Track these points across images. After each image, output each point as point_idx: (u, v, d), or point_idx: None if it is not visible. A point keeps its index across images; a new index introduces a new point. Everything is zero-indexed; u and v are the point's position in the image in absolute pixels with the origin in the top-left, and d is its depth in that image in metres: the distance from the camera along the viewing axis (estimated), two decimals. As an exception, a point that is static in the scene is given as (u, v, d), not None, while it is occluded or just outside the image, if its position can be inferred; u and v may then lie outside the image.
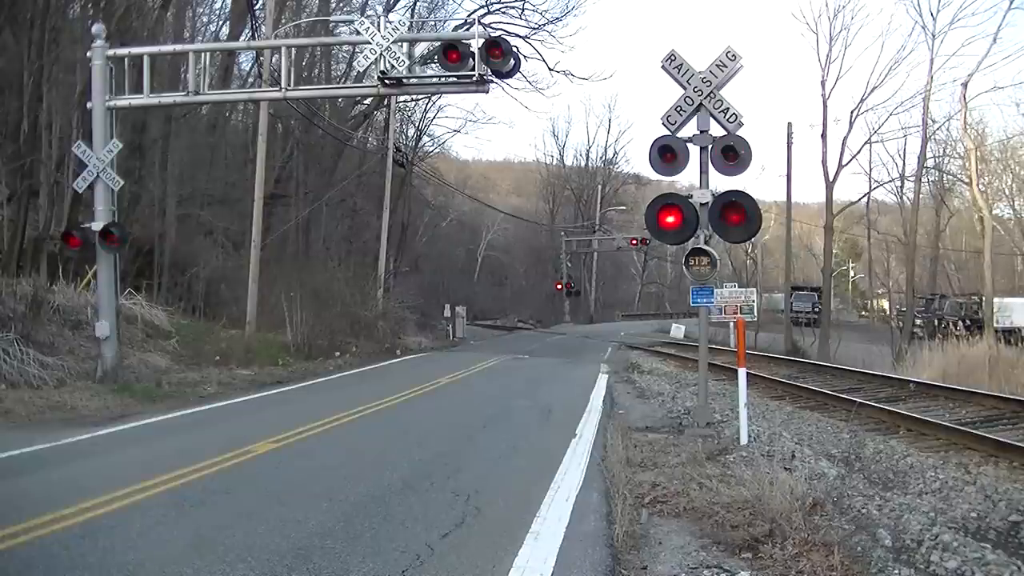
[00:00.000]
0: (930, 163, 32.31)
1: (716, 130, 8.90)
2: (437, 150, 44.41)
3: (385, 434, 9.40)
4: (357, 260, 29.44)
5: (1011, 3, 30.65)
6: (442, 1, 36.45)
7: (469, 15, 33.56)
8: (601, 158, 67.82)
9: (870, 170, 34.38)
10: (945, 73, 51.49)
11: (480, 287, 55.72)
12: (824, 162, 28.88)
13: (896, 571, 5.01)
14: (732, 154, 8.73)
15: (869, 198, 33.48)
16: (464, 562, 4.65)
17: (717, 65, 8.88)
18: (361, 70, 19.78)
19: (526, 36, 29.48)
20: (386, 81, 12.67)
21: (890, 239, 39.47)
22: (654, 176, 37.64)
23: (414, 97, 31.85)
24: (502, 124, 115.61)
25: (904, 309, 33.65)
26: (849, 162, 30.71)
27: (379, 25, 12.47)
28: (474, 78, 12.38)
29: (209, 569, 4.43)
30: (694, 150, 8.95)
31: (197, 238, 23.85)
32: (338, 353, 19.56)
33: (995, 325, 25.05)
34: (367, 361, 19.61)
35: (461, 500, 6.02)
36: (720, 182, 9.05)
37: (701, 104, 8.86)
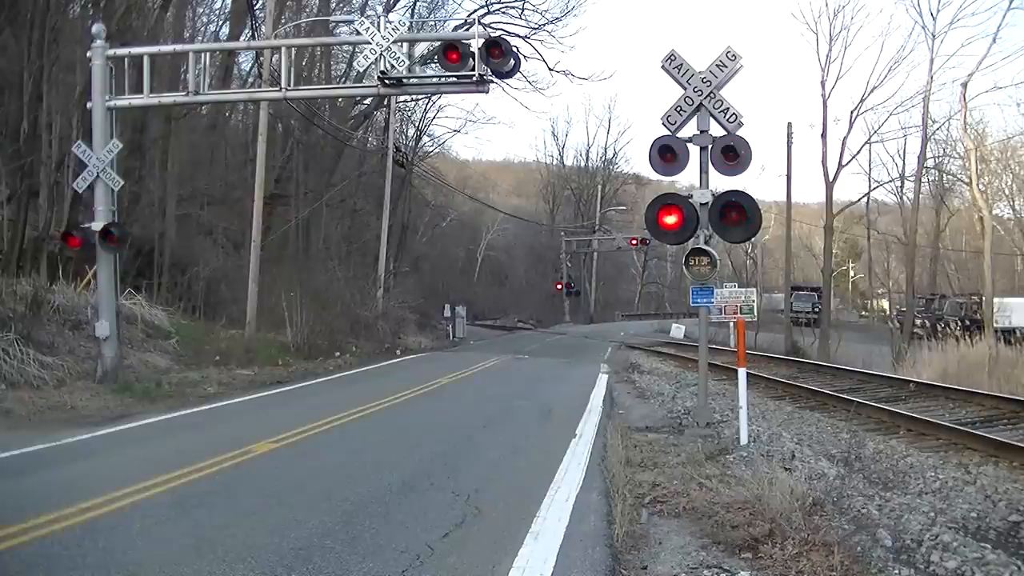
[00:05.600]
0: (930, 163, 32.28)
1: (716, 130, 8.89)
2: (437, 150, 44.52)
3: (385, 434, 9.40)
4: (357, 260, 29.44)
5: (1011, 3, 30.68)
6: (442, 1, 36.58)
7: (469, 15, 33.59)
8: (601, 158, 67.97)
9: (870, 170, 34.33)
10: (945, 73, 51.23)
11: (480, 287, 55.71)
12: (824, 162, 28.86)
13: (896, 571, 5.02)
14: (732, 154, 8.72)
15: (869, 198, 33.43)
16: (464, 562, 4.65)
17: (717, 65, 8.87)
18: (361, 70, 19.78)
19: (526, 36, 29.49)
20: (386, 81, 12.67)
21: (890, 239, 39.42)
22: (654, 176, 37.49)
23: (414, 97, 31.85)
24: (502, 124, 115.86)
25: (904, 309, 33.64)
26: (849, 162, 30.66)
27: (379, 25, 12.47)
28: (474, 78, 12.38)
29: (209, 569, 4.43)
30: (694, 150, 8.94)
31: (197, 238, 23.85)
32: (338, 353, 19.56)
33: (995, 325, 25.03)
34: (367, 361, 19.60)
35: (461, 500, 6.02)
36: (720, 182, 9.05)
37: (701, 104, 8.85)
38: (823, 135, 28.83)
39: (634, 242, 48.88)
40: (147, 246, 19.82)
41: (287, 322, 19.13)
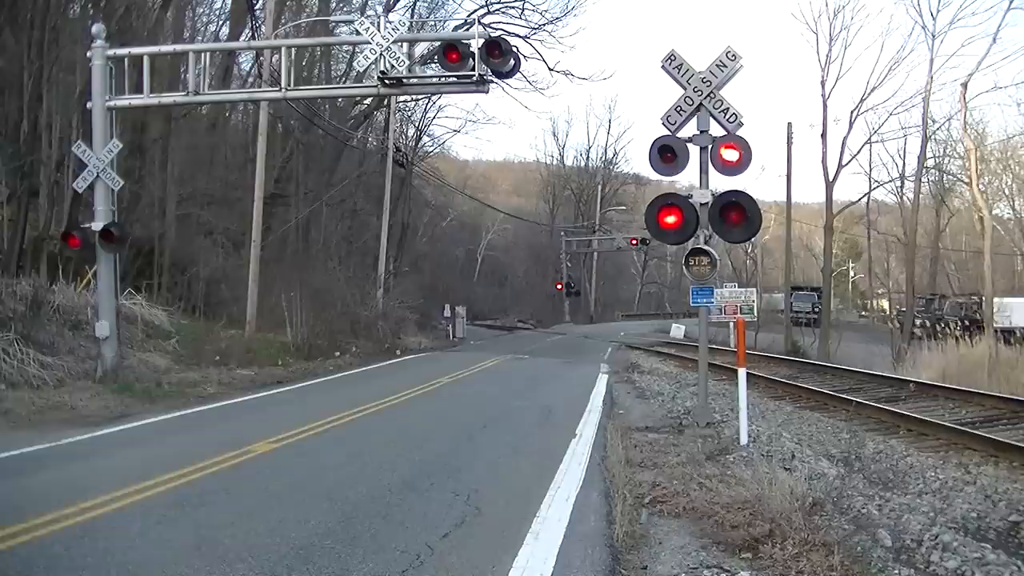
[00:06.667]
0: (930, 163, 32.31)
1: (716, 130, 8.91)
2: (437, 150, 44.46)
3: (385, 434, 9.39)
4: (357, 260, 29.45)
5: (1011, 3, 30.67)
6: (442, 1, 36.49)
7: (469, 15, 33.60)
8: (601, 158, 67.84)
9: (870, 170, 34.37)
10: (945, 73, 51.43)
11: (480, 287, 55.72)
12: (824, 162, 28.88)
13: (896, 571, 5.02)
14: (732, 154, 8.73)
15: (869, 198, 33.47)
16: (464, 562, 4.65)
17: (717, 65, 8.88)
18: (361, 70, 19.80)
19: (526, 36, 29.48)
20: (386, 81, 12.68)
21: (890, 239, 39.42)
22: (654, 176, 37.66)
23: (414, 97, 31.84)
24: (502, 124, 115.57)
25: (904, 309, 33.64)
26: (849, 162, 30.70)
27: (379, 25, 12.48)
28: (474, 78, 12.39)
29: (209, 569, 4.43)
30: (694, 150, 8.95)
31: (197, 238, 23.83)
32: (338, 353, 19.55)
33: (995, 325, 25.03)
34: (367, 361, 19.60)
35: (461, 500, 6.02)
36: (720, 182, 9.07)
37: (701, 104, 8.86)
38: (823, 135, 28.88)
39: (634, 242, 48.91)
40: (147, 246, 19.82)
41: (287, 322, 19.13)
